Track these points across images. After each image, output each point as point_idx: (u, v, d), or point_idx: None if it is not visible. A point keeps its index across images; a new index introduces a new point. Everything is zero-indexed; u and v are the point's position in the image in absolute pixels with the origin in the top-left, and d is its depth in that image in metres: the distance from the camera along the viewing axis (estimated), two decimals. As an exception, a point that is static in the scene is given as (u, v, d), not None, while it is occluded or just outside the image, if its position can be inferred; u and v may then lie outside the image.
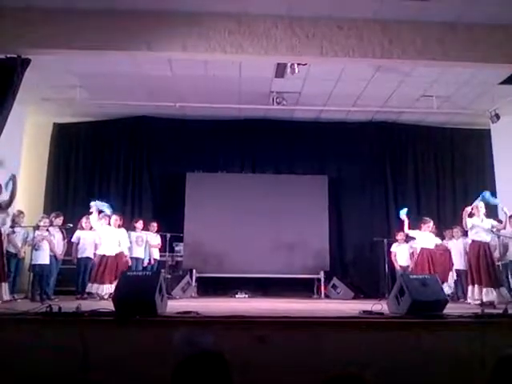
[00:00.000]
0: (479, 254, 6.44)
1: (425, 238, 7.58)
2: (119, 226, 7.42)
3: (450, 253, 7.75)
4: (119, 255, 7.26)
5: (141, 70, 7.25)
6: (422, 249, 7.54)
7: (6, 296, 6.07)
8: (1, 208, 6.30)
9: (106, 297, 6.77)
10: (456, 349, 3.72)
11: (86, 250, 7.45)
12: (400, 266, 8.20)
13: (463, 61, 5.80)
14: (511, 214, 6.77)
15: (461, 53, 5.69)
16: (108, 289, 6.88)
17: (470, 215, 6.64)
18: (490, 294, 6.22)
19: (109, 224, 7.33)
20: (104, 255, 7.14)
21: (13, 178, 6.31)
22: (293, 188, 9.04)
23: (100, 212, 7.30)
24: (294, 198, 8.96)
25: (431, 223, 7.63)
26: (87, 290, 7.00)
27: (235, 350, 2.82)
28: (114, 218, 7.33)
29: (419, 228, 7.65)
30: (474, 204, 6.71)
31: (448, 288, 7.34)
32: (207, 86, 7.83)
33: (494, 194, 7.19)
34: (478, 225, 6.54)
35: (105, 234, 7.26)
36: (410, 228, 7.71)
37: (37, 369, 3.39)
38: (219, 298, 8.18)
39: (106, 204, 7.37)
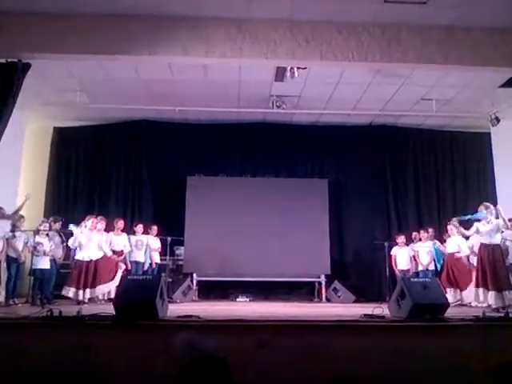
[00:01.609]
0: (489, 256, 6.29)
1: (452, 243, 7.53)
2: (100, 230, 7.34)
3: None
4: (104, 259, 7.21)
5: (141, 74, 7.27)
6: (448, 254, 7.54)
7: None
8: (3, 217, 6.64)
9: (86, 301, 6.80)
10: (457, 352, 3.71)
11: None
12: (400, 270, 8.17)
13: (462, 64, 5.80)
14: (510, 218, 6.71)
15: (460, 56, 5.70)
16: (88, 293, 6.89)
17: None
18: (496, 298, 6.13)
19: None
20: (81, 260, 7.04)
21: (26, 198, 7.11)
22: (293, 191, 9.03)
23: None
24: (295, 201, 8.96)
25: (451, 225, 7.49)
26: (63, 293, 6.86)
27: (236, 354, 2.82)
28: (91, 220, 7.23)
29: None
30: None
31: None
32: (207, 89, 7.85)
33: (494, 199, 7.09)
34: (483, 230, 6.41)
35: (83, 239, 7.12)
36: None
37: (37, 373, 3.38)
38: (220, 301, 8.17)
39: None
